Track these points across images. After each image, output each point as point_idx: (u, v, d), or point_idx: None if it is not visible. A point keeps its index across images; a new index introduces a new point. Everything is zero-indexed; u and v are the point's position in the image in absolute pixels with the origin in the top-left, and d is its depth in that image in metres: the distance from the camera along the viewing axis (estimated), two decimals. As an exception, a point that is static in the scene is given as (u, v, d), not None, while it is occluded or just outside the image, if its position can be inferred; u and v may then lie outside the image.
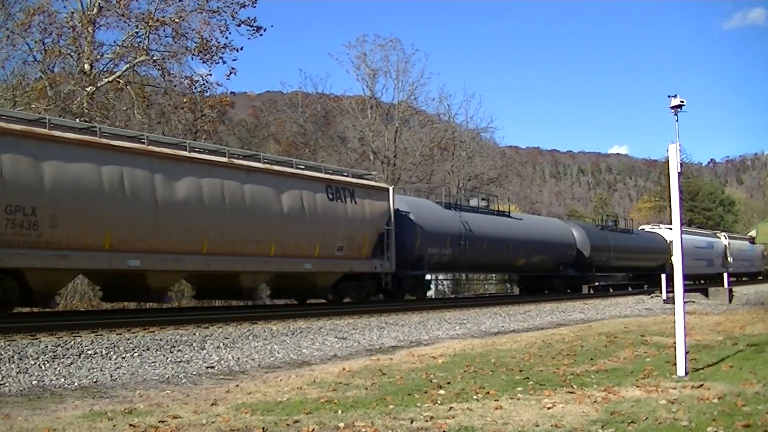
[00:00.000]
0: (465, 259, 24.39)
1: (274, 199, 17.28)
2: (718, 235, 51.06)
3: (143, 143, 15.10)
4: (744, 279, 50.27)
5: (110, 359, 9.42)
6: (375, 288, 21.22)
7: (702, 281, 41.99)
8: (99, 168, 13.87)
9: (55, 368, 8.62)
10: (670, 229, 41.90)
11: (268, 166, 17.74)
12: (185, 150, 15.84)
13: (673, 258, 8.76)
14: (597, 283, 32.95)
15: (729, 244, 49.39)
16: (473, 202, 27.69)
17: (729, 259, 48.41)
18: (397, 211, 21.24)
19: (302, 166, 19.17)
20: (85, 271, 15.00)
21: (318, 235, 18.34)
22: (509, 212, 28.76)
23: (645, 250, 36.95)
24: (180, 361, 9.58)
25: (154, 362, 9.42)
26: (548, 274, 30.14)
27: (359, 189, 20.02)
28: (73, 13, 26.85)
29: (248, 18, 29.61)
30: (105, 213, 13.87)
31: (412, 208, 22.51)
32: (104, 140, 14.27)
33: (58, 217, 13.14)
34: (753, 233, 76.62)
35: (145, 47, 27.80)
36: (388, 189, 21.35)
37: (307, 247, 18.07)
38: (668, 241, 38.41)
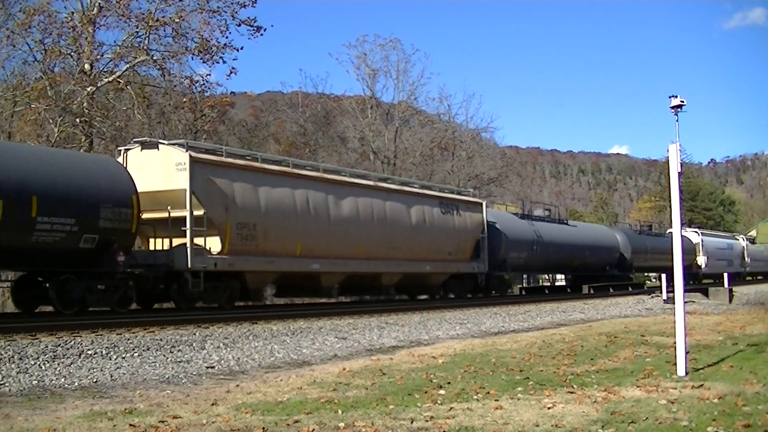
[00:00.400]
0: (536, 261, 28.67)
1: (405, 213, 21.64)
2: (737, 237, 55.44)
3: (319, 171, 19.59)
4: (759, 278, 54.39)
5: (110, 359, 9.42)
6: (472, 286, 25.07)
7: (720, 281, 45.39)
8: (293, 192, 17.97)
9: (55, 368, 8.62)
10: (696, 232, 45.55)
11: (400, 187, 22.50)
12: (346, 176, 20.51)
13: (673, 258, 8.73)
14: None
15: (746, 245, 53.74)
16: (537, 212, 31.83)
17: (746, 259, 52.40)
18: (487, 221, 25.37)
19: (416, 185, 23.81)
20: (284, 273, 18.03)
21: (435, 242, 22.58)
22: (567, 220, 34.84)
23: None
24: (180, 361, 9.58)
25: (154, 362, 9.42)
26: (597, 273, 33.77)
27: (462, 204, 24.44)
28: (73, 13, 26.84)
29: (248, 18, 29.59)
30: (297, 227, 17.87)
31: (497, 219, 26.81)
32: (295, 170, 18.53)
33: (268, 231, 17.09)
34: (753, 233, 76.77)
35: (145, 47, 27.80)
36: (482, 203, 25.90)
37: (427, 252, 22.21)
38: (694, 243, 43.11)
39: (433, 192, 23.78)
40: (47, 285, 13.80)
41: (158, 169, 16.08)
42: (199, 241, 15.68)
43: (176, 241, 16.03)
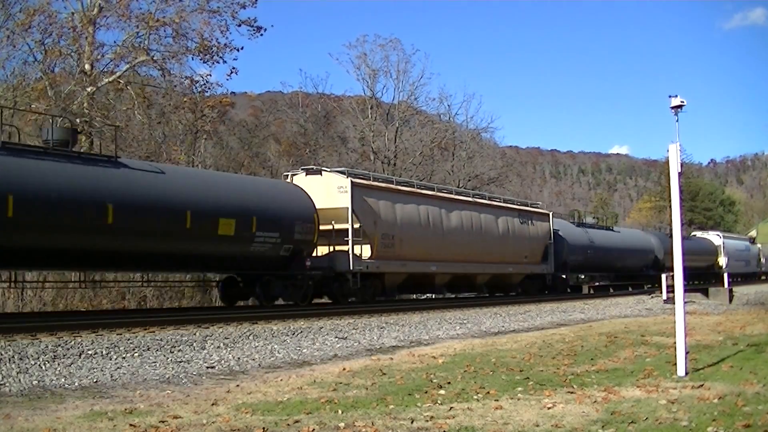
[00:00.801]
0: (589, 263, 33.22)
1: (494, 224, 25.97)
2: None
3: (434, 190, 24.20)
4: None
5: (110, 359, 9.42)
6: (541, 285, 29.51)
7: (739, 279, 49.53)
8: (418, 208, 22.29)
9: (56, 368, 8.63)
10: (718, 235, 49.99)
11: (491, 202, 27.16)
12: (452, 194, 25.38)
13: (673, 258, 8.74)
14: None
15: (761, 247, 59.68)
16: (589, 220, 37.13)
17: (762, 260, 57.72)
18: (553, 229, 29.74)
19: (500, 200, 28.31)
20: (411, 273, 22.00)
21: (515, 248, 26.87)
22: (612, 227, 39.79)
23: (700, 252, 44.62)
24: (180, 361, 9.59)
25: (154, 362, 9.42)
26: (636, 273, 38.32)
27: (535, 215, 29.02)
28: (73, 13, 26.85)
29: (248, 18, 29.63)
30: (421, 237, 22.01)
31: (560, 227, 30.95)
32: (420, 190, 23.35)
33: (402, 240, 21.08)
34: (753, 233, 76.90)
35: (145, 47, 27.80)
36: (549, 214, 30.41)
37: (509, 257, 26.55)
38: (716, 245, 47.56)
39: (514, 206, 28.44)
40: (243, 284, 18.96)
41: (322, 191, 19.89)
42: (356, 249, 19.46)
43: (337, 249, 19.58)
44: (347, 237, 19.25)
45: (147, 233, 14.90)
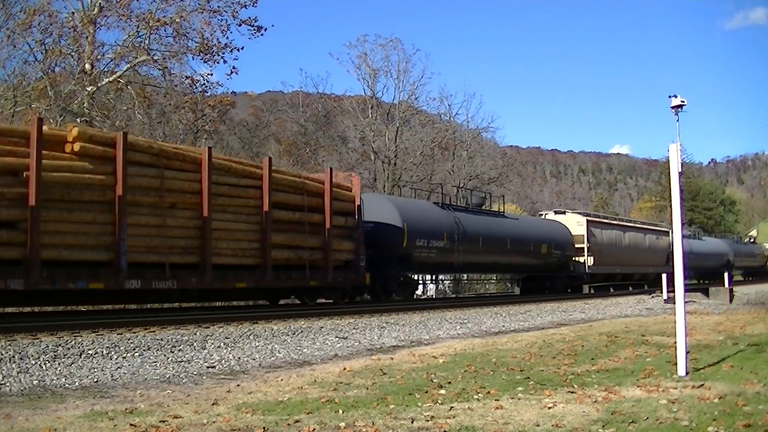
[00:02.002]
0: (689, 265, 40.87)
1: (643, 240, 38.85)
2: None
3: (623, 220, 40.90)
4: None
5: (111, 359, 9.42)
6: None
7: (750, 277, 60.55)
8: (612, 232, 35.71)
9: (56, 368, 8.63)
10: (731, 238, 62.46)
11: (640, 225, 42.02)
12: (624, 222, 41.39)
13: (674, 257, 8.74)
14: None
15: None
16: (685, 232, 47.88)
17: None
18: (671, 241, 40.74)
19: (647, 223, 44.17)
20: (607, 273, 35.16)
21: (653, 256, 39.54)
22: (701, 236, 53.53)
23: (713, 252, 50.56)
24: (181, 361, 9.59)
25: (155, 362, 9.42)
26: (713, 272, 47.76)
27: (662, 232, 41.67)
28: (73, 13, 26.87)
29: (249, 18, 29.64)
30: (613, 251, 34.96)
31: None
32: (611, 221, 38.44)
33: (606, 253, 34.51)
34: (754, 233, 76.94)
35: (145, 47, 27.81)
36: (668, 230, 41.55)
37: (649, 261, 39.28)
38: (728, 247, 55.35)
39: (650, 226, 42.58)
40: (535, 281, 32.93)
41: (567, 224, 32.63)
42: (588, 259, 32.44)
43: (575, 259, 32.20)
44: (583, 252, 32.25)
45: (520, 254, 28.17)
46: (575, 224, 32.32)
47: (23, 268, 12.61)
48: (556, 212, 35.10)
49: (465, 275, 34.25)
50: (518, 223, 29.52)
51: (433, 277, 29.27)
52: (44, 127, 13.19)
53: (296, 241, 18.06)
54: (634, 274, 38.58)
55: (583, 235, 32.06)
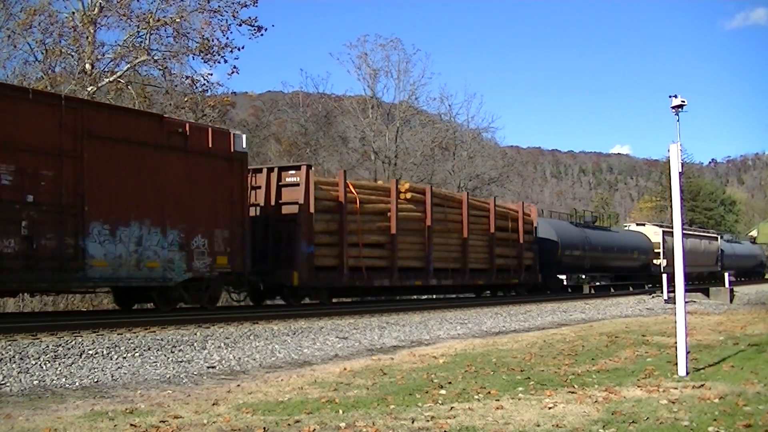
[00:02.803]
0: (729, 266, 47.47)
1: (700, 245, 44.93)
2: None
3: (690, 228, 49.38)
4: None
5: (111, 359, 9.42)
6: (713, 279, 45.29)
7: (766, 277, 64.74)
8: (682, 239, 34.86)
9: (56, 368, 8.63)
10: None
11: (696, 232, 48.42)
12: (687, 230, 44.12)
13: (675, 257, 8.74)
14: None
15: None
16: (726, 236, 57.13)
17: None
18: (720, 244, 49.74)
19: (701, 230, 53.55)
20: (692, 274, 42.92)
21: (706, 258, 45.65)
22: (740, 239, 62.34)
23: (748, 254, 58.68)
24: (181, 361, 9.59)
25: (155, 362, 9.42)
26: (749, 271, 57.02)
27: (713, 238, 48.78)
28: (74, 13, 26.84)
29: (249, 18, 29.60)
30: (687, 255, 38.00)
31: (720, 242, 49.94)
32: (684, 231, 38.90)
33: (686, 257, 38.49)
34: (754, 233, 77.01)
35: (146, 47, 27.79)
36: (718, 236, 50.37)
37: (704, 262, 45.45)
38: (762, 248, 63.12)
39: (704, 232, 49.97)
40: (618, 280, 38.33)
41: (647, 233, 40.12)
42: (662, 261, 39.24)
43: (655, 261, 39.50)
44: (659, 256, 39.60)
45: (621, 258, 36.12)
46: (653, 234, 40.43)
47: (388, 272, 20.69)
48: (637, 224, 44.33)
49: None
50: (618, 235, 38.70)
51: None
52: (398, 185, 21.41)
53: (506, 252, 26.68)
54: (692, 273, 44.57)
55: (659, 242, 39.91)
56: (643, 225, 43.34)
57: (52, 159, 12.93)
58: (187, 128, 15.53)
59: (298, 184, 18.02)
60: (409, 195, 21.39)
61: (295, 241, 17.82)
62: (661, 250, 40.13)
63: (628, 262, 37.55)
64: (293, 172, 18.28)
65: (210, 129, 16.26)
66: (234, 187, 16.19)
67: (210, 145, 15.69)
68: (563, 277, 32.94)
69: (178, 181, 14.97)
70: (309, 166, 18.33)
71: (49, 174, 12.86)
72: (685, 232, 45.62)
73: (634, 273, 38.69)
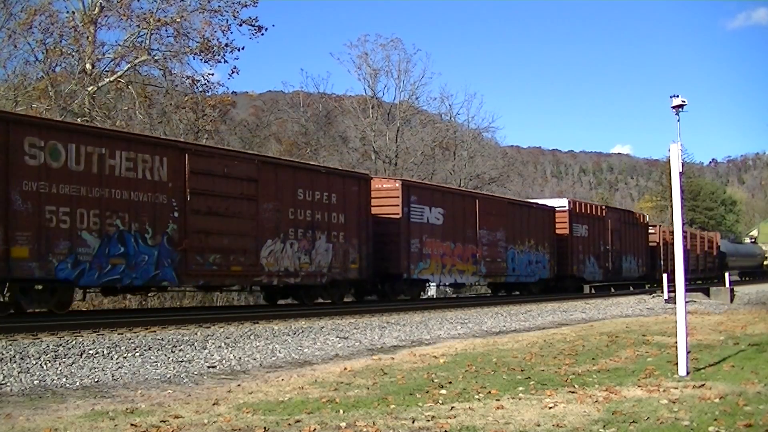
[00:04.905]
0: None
1: (743, 248, 60.76)
2: None
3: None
4: None
5: (112, 359, 9.42)
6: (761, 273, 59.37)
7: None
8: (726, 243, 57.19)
9: (57, 368, 8.63)
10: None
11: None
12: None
13: (675, 257, 8.74)
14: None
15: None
16: (732, 236, 70.75)
17: None
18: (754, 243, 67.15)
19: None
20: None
21: (753, 259, 59.32)
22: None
23: (752, 254, 61.76)
24: (182, 361, 9.59)
25: (155, 362, 9.42)
26: (756, 270, 60.46)
27: (756, 245, 65.32)
28: (74, 12, 26.87)
29: (249, 17, 29.62)
30: (739, 256, 56.74)
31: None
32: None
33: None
34: (755, 233, 76.95)
35: (146, 47, 27.80)
36: (764, 250, 63.95)
37: (750, 262, 58.68)
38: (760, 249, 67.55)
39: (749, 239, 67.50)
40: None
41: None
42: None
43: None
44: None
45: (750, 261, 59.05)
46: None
47: None
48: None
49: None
50: (745, 246, 55.68)
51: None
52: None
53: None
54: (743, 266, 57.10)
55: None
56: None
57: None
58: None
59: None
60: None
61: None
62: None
63: (750, 262, 58.24)
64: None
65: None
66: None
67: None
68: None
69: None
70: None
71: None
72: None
73: (756, 270, 58.29)
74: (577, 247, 30.98)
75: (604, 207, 35.67)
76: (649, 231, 39.92)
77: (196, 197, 15.41)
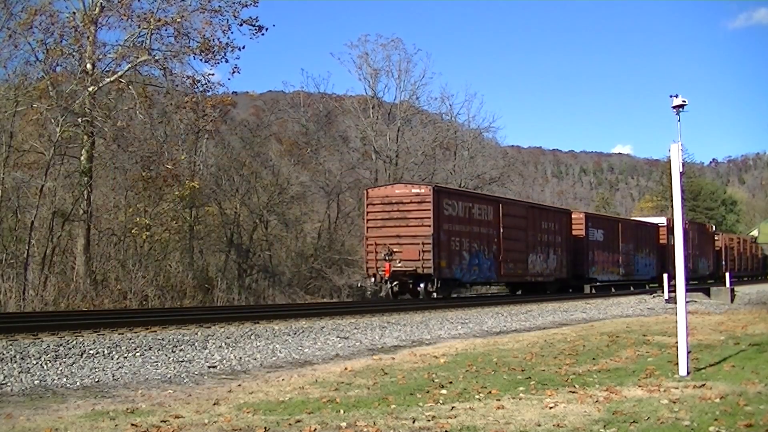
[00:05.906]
0: None
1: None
2: None
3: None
4: None
5: (112, 359, 9.43)
6: None
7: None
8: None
9: (57, 368, 8.63)
10: None
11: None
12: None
13: (675, 257, 8.74)
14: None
15: None
16: None
17: None
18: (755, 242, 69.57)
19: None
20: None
21: None
22: None
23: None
24: (182, 361, 9.59)
25: (156, 362, 9.42)
26: None
27: None
28: (75, 12, 26.81)
29: (250, 17, 29.57)
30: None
31: None
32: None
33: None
34: (755, 233, 76.99)
35: (147, 47, 27.77)
36: None
37: None
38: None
39: None
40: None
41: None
42: None
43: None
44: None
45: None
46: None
47: None
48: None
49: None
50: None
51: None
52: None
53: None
54: None
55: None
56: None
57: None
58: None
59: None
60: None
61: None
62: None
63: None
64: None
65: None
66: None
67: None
68: None
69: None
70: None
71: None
72: None
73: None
74: (672, 254, 39.50)
75: (689, 221, 45.09)
76: (715, 238, 50.68)
77: (506, 230, 25.72)
